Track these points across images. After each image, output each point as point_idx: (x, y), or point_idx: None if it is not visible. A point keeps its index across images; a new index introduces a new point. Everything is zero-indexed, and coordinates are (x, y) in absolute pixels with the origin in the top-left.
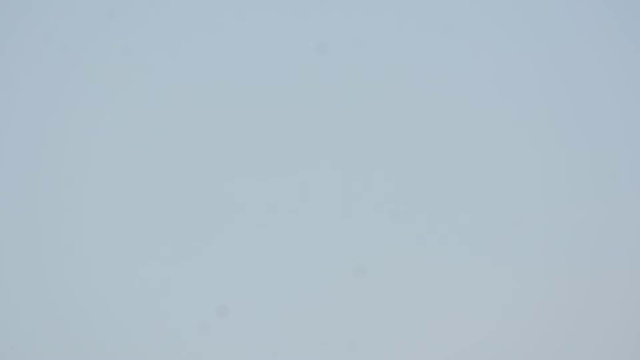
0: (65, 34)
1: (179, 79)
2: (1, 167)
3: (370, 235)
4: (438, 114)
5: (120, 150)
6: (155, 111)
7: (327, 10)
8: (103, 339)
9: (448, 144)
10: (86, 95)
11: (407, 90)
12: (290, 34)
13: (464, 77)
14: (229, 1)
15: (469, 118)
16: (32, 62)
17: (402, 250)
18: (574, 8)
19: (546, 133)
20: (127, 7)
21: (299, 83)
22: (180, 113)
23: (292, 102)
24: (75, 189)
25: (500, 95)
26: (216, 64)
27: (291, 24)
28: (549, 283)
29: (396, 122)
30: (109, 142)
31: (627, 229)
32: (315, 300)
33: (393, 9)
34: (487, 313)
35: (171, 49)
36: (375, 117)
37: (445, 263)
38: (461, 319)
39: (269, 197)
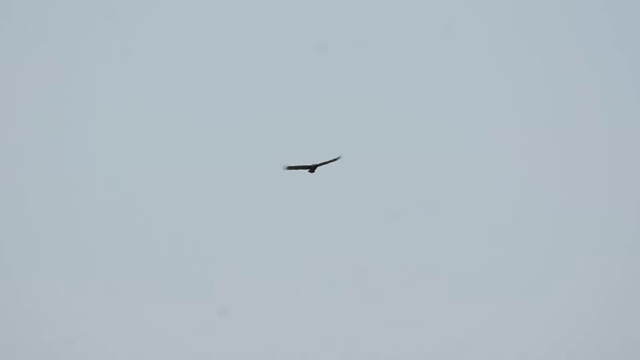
0: (65, 34)
1: (179, 79)
2: (2, 165)
3: (371, 235)
4: (438, 112)
5: (120, 149)
6: (155, 111)
7: (327, 10)
8: (103, 338)
9: (449, 143)
10: (86, 95)
11: (407, 89)
12: (290, 34)
13: (464, 76)
14: (229, 2)
15: (469, 116)
16: (32, 62)
17: (401, 250)
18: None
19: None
20: (127, 8)
21: (299, 82)
22: (180, 112)
23: (292, 102)
24: (76, 188)
25: (501, 95)
26: (216, 64)
27: (291, 24)
28: (548, 283)
29: (396, 123)
30: (108, 142)
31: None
32: (316, 300)
33: (393, 9)
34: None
35: (171, 50)
36: (375, 116)
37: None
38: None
39: (268, 196)
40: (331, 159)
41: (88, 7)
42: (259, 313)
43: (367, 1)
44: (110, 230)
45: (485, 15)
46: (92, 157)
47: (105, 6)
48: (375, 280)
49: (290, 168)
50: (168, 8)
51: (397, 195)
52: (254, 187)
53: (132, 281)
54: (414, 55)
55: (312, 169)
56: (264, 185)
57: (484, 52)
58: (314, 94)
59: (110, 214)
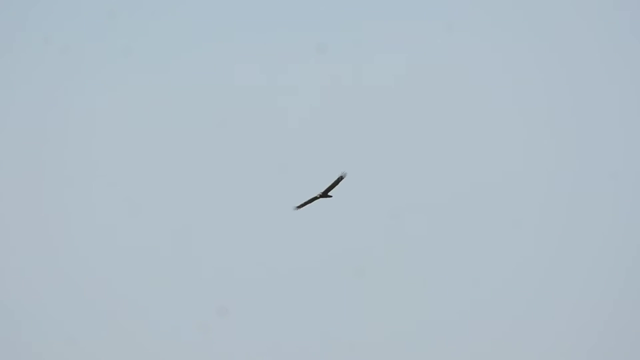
0: (65, 34)
1: (179, 79)
2: (2, 165)
3: (371, 235)
4: (440, 112)
5: (121, 149)
6: (155, 111)
7: (327, 10)
8: (103, 338)
9: (450, 142)
10: (86, 95)
11: (408, 90)
12: (290, 33)
13: (465, 76)
14: (229, 2)
15: (471, 116)
16: (32, 62)
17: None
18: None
19: (548, 130)
20: (127, 8)
21: (299, 83)
22: (180, 112)
23: (292, 102)
24: (76, 188)
25: (503, 95)
26: (216, 64)
27: (292, 24)
28: (545, 281)
29: (398, 122)
30: (109, 142)
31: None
32: (315, 299)
33: (394, 8)
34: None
35: (171, 49)
36: (375, 116)
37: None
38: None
39: (269, 196)
40: (335, 180)
41: (88, 7)
42: (259, 313)
43: (367, 1)
44: (109, 230)
45: (486, 15)
46: (92, 156)
47: (105, 6)
48: (375, 280)
49: (300, 207)
50: (168, 9)
51: (399, 198)
52: (254, 186)
53: (131, 281)
54: (414, 55)
55: (322, 195)
56: (264, 185)
57: (486, 51)
58: (313, 94)
59: (111, 213)
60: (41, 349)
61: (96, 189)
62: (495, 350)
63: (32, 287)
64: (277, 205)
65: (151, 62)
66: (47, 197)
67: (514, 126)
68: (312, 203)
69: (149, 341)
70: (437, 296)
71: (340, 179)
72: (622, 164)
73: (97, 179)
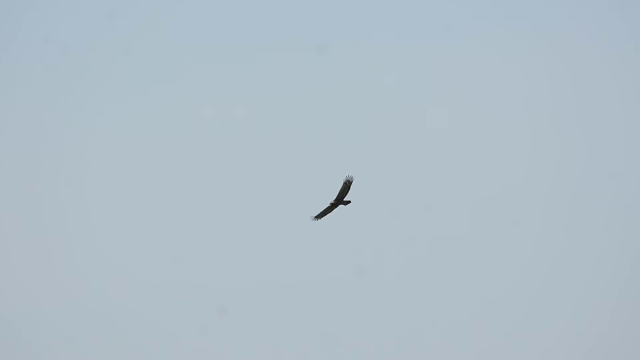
0: (65, 34)
1: (179, 79)
2: (2, 165)
3: (370, 235)
4: (442, 112)
5: (120, 149)
6: (155, 110)
7: (327, 10)
8: (103, 338)
9: (452, 143)
10: (86, 95)
11: (408, 90)
12: (290, 34)
13: (464, 76)
14: (229, 2)
15: (470, 117)
16: (32, 62)
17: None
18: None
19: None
20: (127, 8)
21: (300, 83)
22: (180, 112)
23: (293, 104)
24: (76, 188)
25: (501, 95)
26: (216, 64)
27: (291, 24)
28: (546, 281)
29: (395, 123)
30: (109, 142)
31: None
32: (315, 299)
33: (394, 9)
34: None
35: (171, 49)
36: (375, 117)
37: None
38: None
39: (269, 196)
40: (343, 185)
41: (88, 7)
42: (259, 313)
43: (367, 1)
44: (109, 229)
45: (484, 14)
46: (92, 157)
47: (105, 6)
48: (375, 280)
49: (318, 217)
50: (168, 9)
51: (399, 197)
52: (254, 187)
53: (131, 280)
54: (415, 55)
55: (336, 204)
56: (263, 185)
57: (486, 51)
58: (313, 95)
59: (110, 212)
60: (40, 349)
61: (96, 189)
62: (496, 350)
63: (28, 284)
64: (277, 207)
65: (151, 62)
66: (46, 197)
67: (516, 127)
68: (332, 212)
69: (149, 341)
70: (437, 297)
71: (348, 183)
72: (623, 165)
73: (97, 179)
